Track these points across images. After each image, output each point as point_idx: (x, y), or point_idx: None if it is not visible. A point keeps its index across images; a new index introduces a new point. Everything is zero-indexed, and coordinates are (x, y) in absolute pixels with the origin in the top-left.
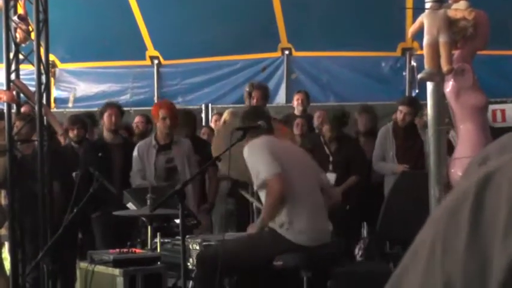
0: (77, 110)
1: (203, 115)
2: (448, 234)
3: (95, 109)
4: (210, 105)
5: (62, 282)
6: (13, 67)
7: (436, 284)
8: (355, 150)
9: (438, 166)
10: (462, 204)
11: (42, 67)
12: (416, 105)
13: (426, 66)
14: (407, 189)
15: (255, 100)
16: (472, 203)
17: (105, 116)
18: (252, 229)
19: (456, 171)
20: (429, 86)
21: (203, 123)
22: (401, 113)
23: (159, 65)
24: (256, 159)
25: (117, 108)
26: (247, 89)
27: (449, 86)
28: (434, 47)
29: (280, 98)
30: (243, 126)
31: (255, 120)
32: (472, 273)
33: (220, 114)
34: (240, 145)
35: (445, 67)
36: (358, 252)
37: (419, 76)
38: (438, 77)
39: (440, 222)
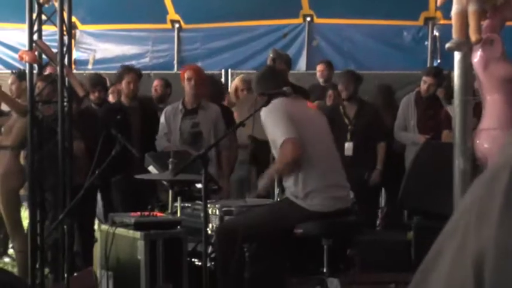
0: (96, 72)
1: (223, 80)
2: (483, 203)
3: (114, 71)
4: (229, 70)
5: (80, 243)
6: (35, 28)
7: (470, 253)
8: (376, 117)
9: (463, 137)
10: (499, 174)
11: (64, 28)
12: (441, 76)
13: (454, 35)
14: (430, 159)
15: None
16: (509, 174)
17: (124, 82)
18: (261, 182)
19: (482, 142)
20: (456, 55)
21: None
22: (425, 83)
23: (180, 29)
24: (273, 122)
25: (135, 74)
26: (271, 55)
27: (477, 57)
28: (463, 16)
29: (301, 65)
30: (267, 92)
31: (281, 86)
32: (505, 246)
33: None
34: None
35: (473, 37)
36: (376, 221)
37: (446, 46)
38: (466, 47)
39: (478, 190)
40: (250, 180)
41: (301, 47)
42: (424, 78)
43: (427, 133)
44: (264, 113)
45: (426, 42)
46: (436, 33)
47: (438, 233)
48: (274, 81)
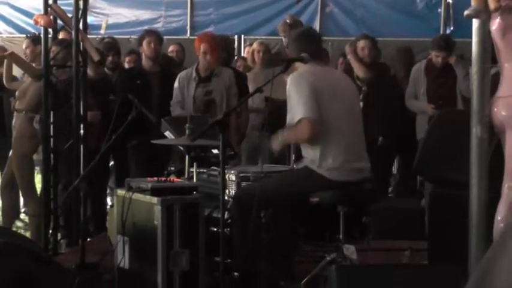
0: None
1: (236, 46)
2: None
3: (127, 36)
4: (242, 36)
5: (92, 209)
6: None
7: None
8: (387, 74)
9: (481, 105)
10: None
11: None
12: (451, 44)
13: (473, 3)
14: (446, 126)
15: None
16: None
17: (144, 43)
18: (276, 145)
19: (499, 110)
20: (475, 23)
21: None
22: (437, 57)
23: None
24: (297, 95)
25: (156, 36)
26: (289, 21)
27: (495, 24)
28: None
29: None
30: (286, 59)
31: (303, 49)
32: None
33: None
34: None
35: (492, 4)
36: (388, 188)
37: (465, 13)
38: (485, 15)
39: None
40: (263, 145)
41: (315, 13)
42: (435, 53)
43: (436, 102)
44: (290, 81)
45: (439, 10)
46: (449, 0)
47: (452, 200)
48: (310, 43)
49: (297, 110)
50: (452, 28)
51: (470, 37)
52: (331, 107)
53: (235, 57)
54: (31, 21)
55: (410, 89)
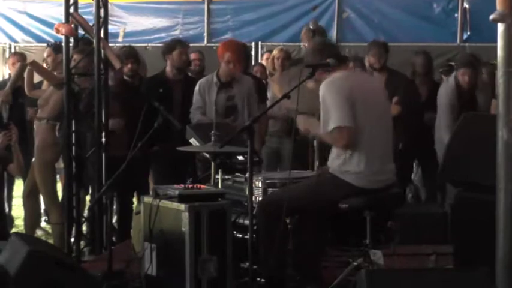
0: (126, 45)
1: (253, 53)
2: None
3: (144, 44)
4: (260, 43)
5: (119, 217)
6: (72, 0)
7: None
8: (403, 83)
9: (507, 108)
10: None
11: (100, 1)
12: (478, 62)
13: (498, 7)
14: (471, 130)
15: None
16: None
17: (176, 53)
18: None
19: None
20: (500, 27)
21: (253, 61)
22: (464, 74)
23: (210, 1)
24: (331, 101)
25: (187, 47)
26: (312, 27)
27: None
28: None
29: (331, 37)
30: (312, 64)
31: (325, 57)
32: None
33: (271, 52)
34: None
35: None
36: (408, 194)
37: (491, 17)
38: (510, 18)
39: None
40: (275, 151)
41: (331, 19)
42: (462, 70)
43: None
44: (324, 87)
45: (456, 14)
46: (466, 5)
47: (477, 203)
48: (322, 53)
49: (330, 116)
50: (469, 33)
51: (487, 42)
52: (364, 115)
53: (253, 64)
54: (48, 30)
55: (441, 121)
